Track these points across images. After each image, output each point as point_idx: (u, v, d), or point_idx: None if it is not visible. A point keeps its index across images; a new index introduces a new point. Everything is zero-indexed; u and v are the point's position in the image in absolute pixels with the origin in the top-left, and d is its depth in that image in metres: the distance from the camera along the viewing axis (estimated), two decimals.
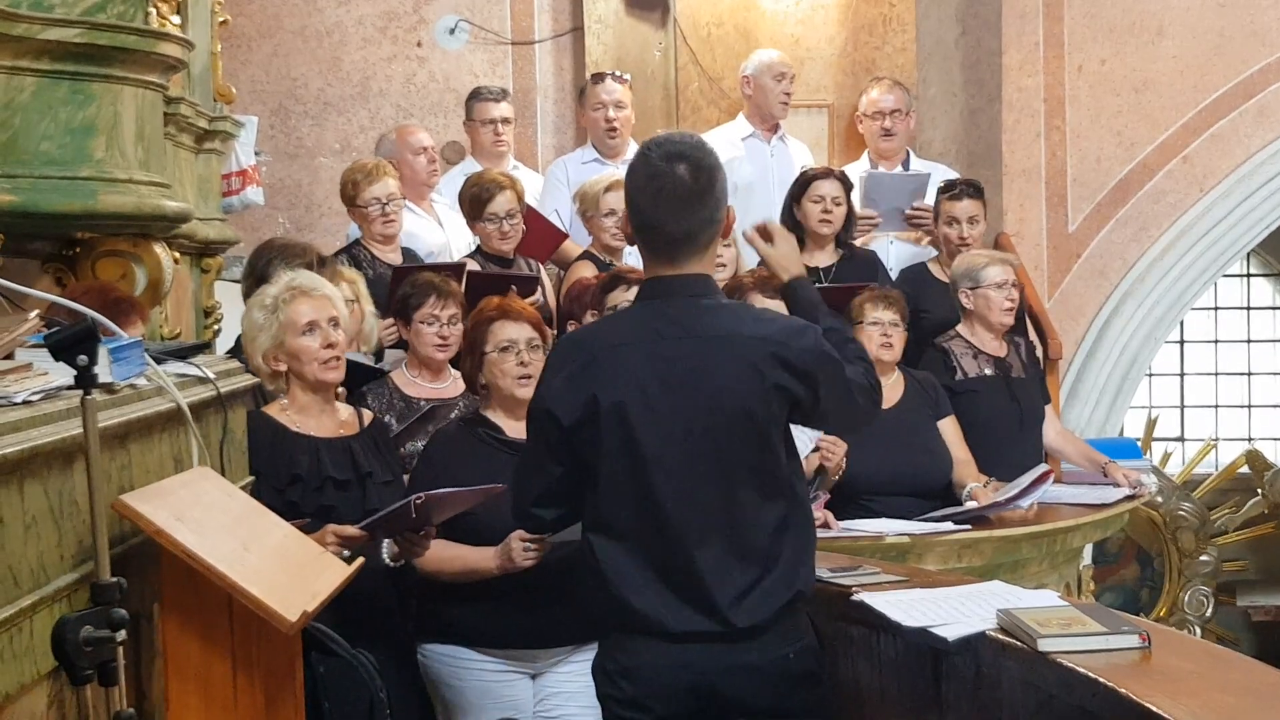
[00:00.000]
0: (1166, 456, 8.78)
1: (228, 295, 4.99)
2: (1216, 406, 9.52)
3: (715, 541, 2.90)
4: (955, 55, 6.98)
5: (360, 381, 4.32)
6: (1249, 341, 9.56)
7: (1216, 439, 9.12)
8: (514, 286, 4.81)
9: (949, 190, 5.68)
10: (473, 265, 5.07)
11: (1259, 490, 8.57)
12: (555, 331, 5.01)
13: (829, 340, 3.00)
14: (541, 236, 5.48)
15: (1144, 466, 5.80)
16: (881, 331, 4.89)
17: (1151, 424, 8.75)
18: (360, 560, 3.03)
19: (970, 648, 2.84)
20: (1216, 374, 9.52)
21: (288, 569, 2.73)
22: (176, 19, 4.35)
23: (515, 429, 3.71)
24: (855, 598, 3.20)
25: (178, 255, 4.06)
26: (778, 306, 4.54)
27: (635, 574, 2.92)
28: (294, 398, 3.66)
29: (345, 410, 3.79)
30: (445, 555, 3.61)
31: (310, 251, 4.36)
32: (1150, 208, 6.96)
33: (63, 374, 2.30)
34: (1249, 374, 9.53)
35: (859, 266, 5.51)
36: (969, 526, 4.61)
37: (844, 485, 4.69)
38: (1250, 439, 9.28)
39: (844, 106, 6.71)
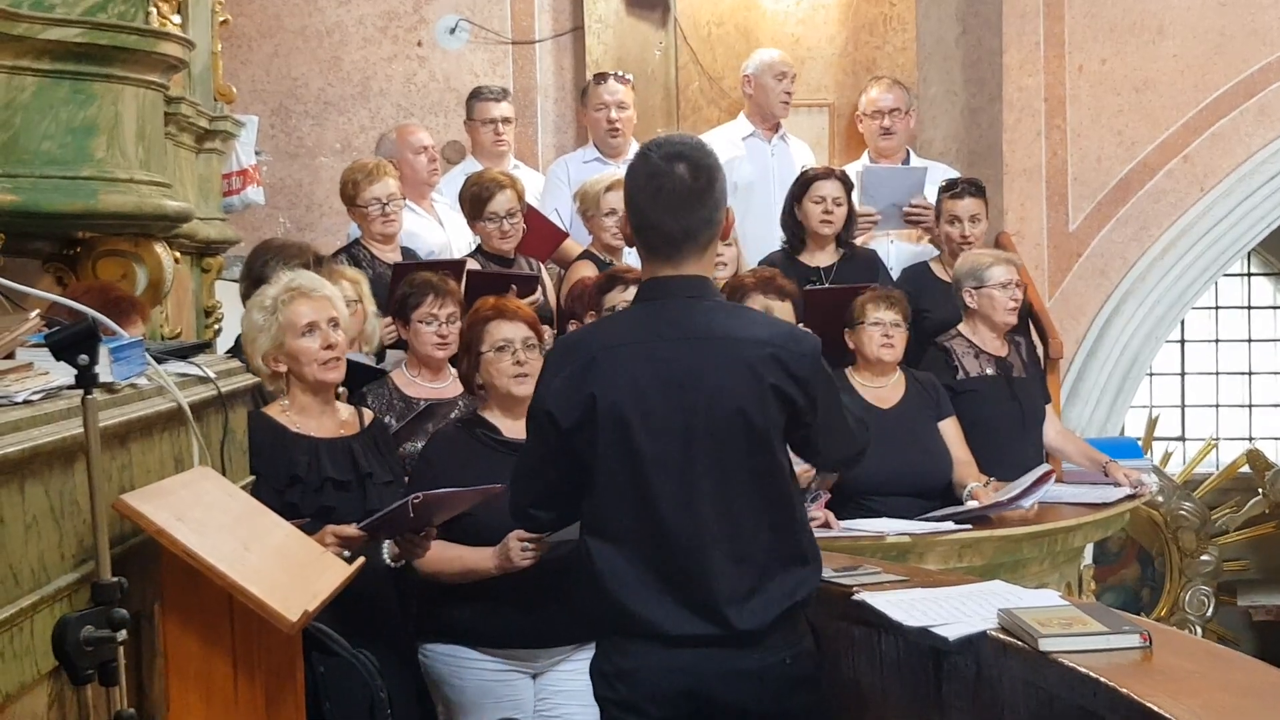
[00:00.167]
0: (1167, 456, 8.78)
1: (228, 295, 4.99)
2: (1217, 406, 9.51)
3: (713, 544, 2.89)
4: (956, 54, 6.98)
5: (361, 382, 4.31)
6: (1250, 341, 9.55)
7: (1217, 438, 9.11)
8: (514, 286, 4.82)
9: (951, 189, 5.68)
10: (473, 264, 5.07)
11: (1260, 490, 8.57)
12: (556, 331, 5.01)
13: None
14: (542, 236, 5.48)
15: (1145, 466, 5.80)
16: (883, 332, 4.89)
17: (1152, 423, 8.75)
18: (361, 560, 3.03)
19: (971, 647, 2.84)
20: (1217, 373, 9.52)
21: (288, 569, 2.73)
22: (177, 19, 4.35)
23: (513, 429, 3.72)
24: (856, 597, 3.20)
25: (178, 255, 4.06)
26: (780, 307, 4.58)
27: (632, 577, 2.92)
28: (294, 398, 3.66)
29: (346, 410, 3.79)
30: (444, 556, 3.61)
31: (307, 251, 4.36)
32: (1151, 207, 6.96)
33: (63, 373, 2.30)
34: (1250, 373, 9.53)
35: (859, 266, 5.51)
36: (970, 526, 4.61)
37: (844, 485, 4.69)
38: (1251, 438, 9.28)
39: (844, 106, 6.71)
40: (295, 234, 6.38)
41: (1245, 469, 8.63)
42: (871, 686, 3.25)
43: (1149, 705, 2.30)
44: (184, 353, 3.05)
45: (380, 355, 4.83)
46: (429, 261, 5.11)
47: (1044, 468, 4.86)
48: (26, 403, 2.21)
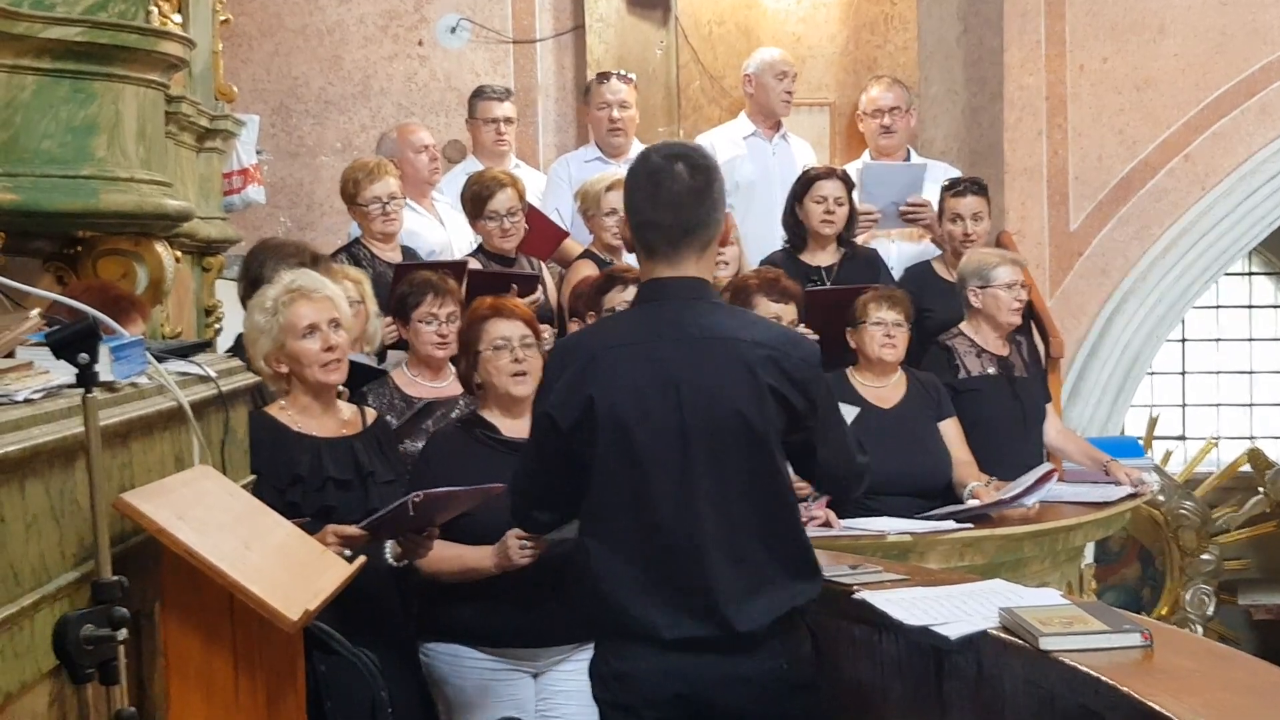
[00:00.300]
0: (1168, 455, 8.78)
1: (229, 294, 4.98)
2: (1218, 405, 9.52)
3: (711, 545, 2.89)
4: (957, 53, 6.98)
5: (362, 382, 4.31)
6: (1251, 340, 9.56)
7: (1218, 437, 9.11)
8: (515, 285, 4.82)
9: (953, 187, 5.68)
10: (474, 264, 5.07)
11: (1260, 489, 8.57)
12: (557, 330, 5.01)
13: None
14: (543, 235, 5.48)
15: (1146, 465, 5.79)
16: (885, 331, 4.88)
17: (1153, 422, 8.75)
18: (362, 559, 3.03)
19: (972, 646, 2.84)
20: (1218, 372, 9.52)
21: (289, 568, 2.72)
22: (178, 18, 4.35)
23: (512, 428, 3.72)
24: (857, 596, 3.19)
25: (179, 254, 4.06)
26: (784, 310, 4.58)
27: (629, 578, 2.92)
28: (296, 398, 3.65)
29: (348, 410, 3.79)
30: (444, 555, 3.61)
31: (304, 250, 4.35)
32: (1152, 206, 6.95)
33: (64, 372, 2.30)
34: (1251, 372, 9.53)
35: (861, 265, 5.51)
36: (971, 525, 4.61)
37: None
38: (1252, 437, 9.28)
39: (845, 105, 6.71)
40: (296, 233, 6.38)
41: (1246, 468, 8.63)
42: (872, 686, 3.25)
43: (1150, 704, 2.30)
44: (184, 352, 3.05)
45: (382, 356, 4.83)
46: (431, 263, 5.11)
47: (1046, 466, 4.86)
48: (27, 401, 2.21)
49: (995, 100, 6.88)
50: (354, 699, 3.20)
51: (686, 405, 2.89)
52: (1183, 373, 9.48)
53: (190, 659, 2.53)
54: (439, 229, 5.78)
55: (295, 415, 3.63)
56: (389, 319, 4.58)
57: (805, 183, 5.52)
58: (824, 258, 5.50)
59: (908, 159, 6.29)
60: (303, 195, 6.75)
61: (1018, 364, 5.27)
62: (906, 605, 3.05)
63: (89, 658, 2.19)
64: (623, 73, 6.21)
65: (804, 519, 3.81)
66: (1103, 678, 2.44)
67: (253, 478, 3.27)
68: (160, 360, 2.77)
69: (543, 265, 5.42)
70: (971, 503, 4.73)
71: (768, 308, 4.55)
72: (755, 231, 5.79)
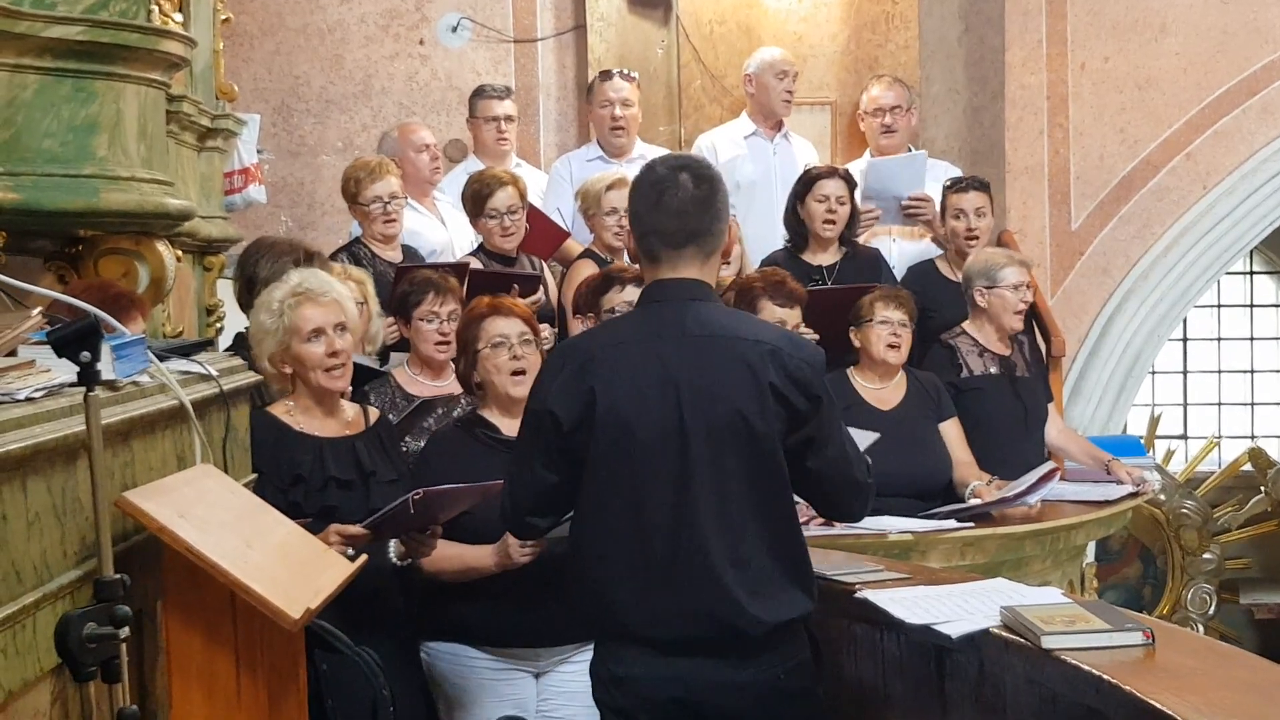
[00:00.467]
0: (1169, 454, 8.78)
1: (230, 293, 4.98)
2: (1219, 404, 9.51)
3: (710, 548, 2.88)
4: (958, 53, 6.98)
5: (363, 382, 4.30)
6: (1252, 339, 9.55)
7: (1219, 437, 9.11)
8: (516, 285, 4.82)
9: (956, 184, 5.69)
10: (475, 264, 5.07)
11: (1262, 488, 8.56)
12: (557, 330, 5.01)
13: None
14: (544, 235, 5.48)
15: (1147, 464, 5.80)
16: (890, 331, 4.88)
17: (1154, 422, 8.75)
18: (363, 558, 3.03)
19: (974, 645, 2.84)
20: (1219, 371, 9.52)
21: (291, 566, 2.73)
22: (179, 17, 4.35)
23: (511, 427, 3.71)
24: (858, 595, 3.19)
25: (180, 253, 4.05)
26: (789, 314, 4.57)
27: (627, 580, 2.92)
28: (299, 398, 3.65)
29: (351, 409, 3.78)
30: (444, 554, 3.60)
31: (298, 248, 4.34)
32: (1153, 205, 6.95)
33: (66, 371, 2.30)
34: (1252, 371, 9.53)
35: (862, 265, 5.50)
36: (972, 524, 4.61)
37: None
38: (1253, 436, 9.28)
39: (846, 104, 6.71)
40: (297, 233, 6.37)
41: (1247, 467, 8.63)
42: (874, 684, 3.25)
43: (1152, 703, 2.30)
44: (186, 350, 3.05)
45: (384, 358, 4.82)
46: (432, 264, 5.10)
47: (1048, 465, 4.85)
48: (29, 400, 2.21)
49: (996, 99, 6.88)
50: (355, 697, 3.19)
51: (686, 404, 2.89)
52: (1184, 372, 9.48)
53: (192, 657, 2.53)
54: (440, 228, 5.78)
55: (298, 415, 3.62)
56: (390, 319, 4.58)
57: (807, 182, 5.52)
58: (825, 257, 5.49)
59: None
60: (304, 195, 6.75)
61: (1020, 363, 5.27)
62: (908, 604, 3.05)
63: (91, 656, 2.19)
64: (626, 71, 6.22)
65: (805, 518, 3.82)
66: (1104, 676, 2.44)
67: (254, 476, 3.27)
68: (162, 359, 2.77)
69: (544, 265, 5.41)
70: (973, 501, 4.73)
71: (773, 312, 4.55)
72: (756, 231, 5.79)
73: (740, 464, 2.90)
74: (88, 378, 2.21)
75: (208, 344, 3.58)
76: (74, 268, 3.52)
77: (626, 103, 6.06)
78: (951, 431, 4.97)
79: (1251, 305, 9.57)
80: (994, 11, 6.86)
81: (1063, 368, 6.20)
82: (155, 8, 3.76)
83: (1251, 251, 8.50)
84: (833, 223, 5.44)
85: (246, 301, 4.33)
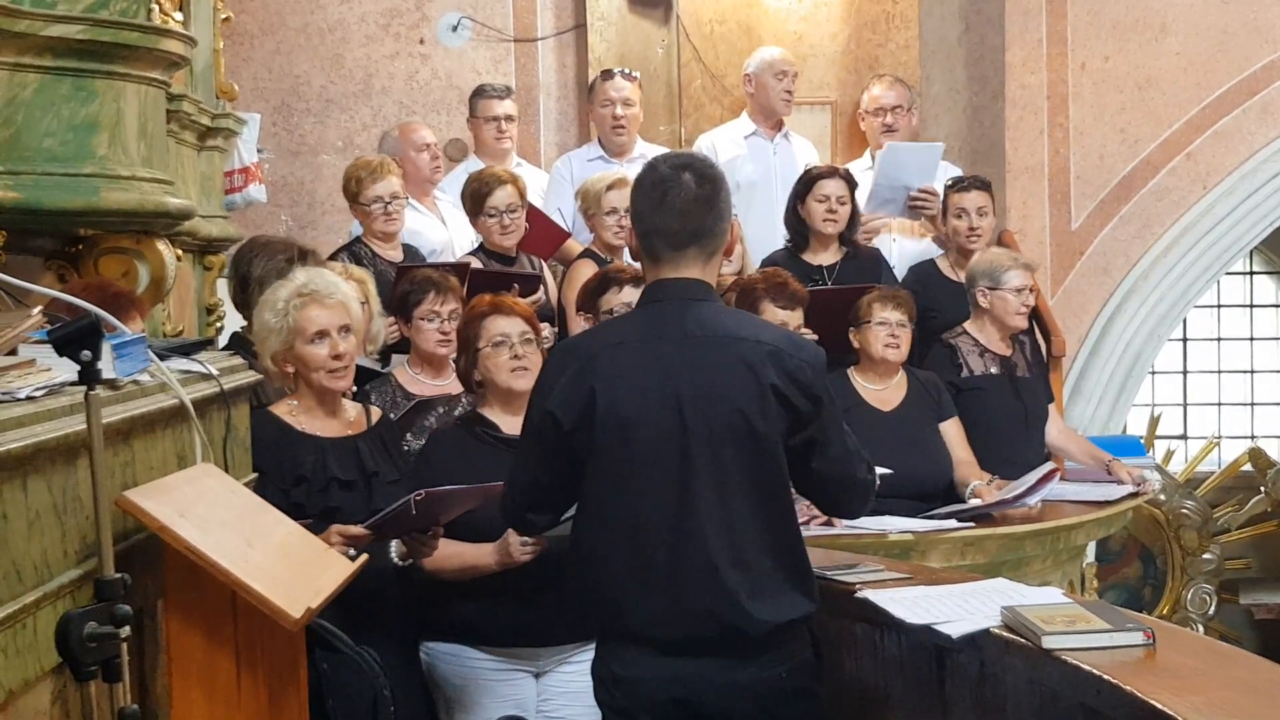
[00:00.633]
0: (1169, 454, 8.78)
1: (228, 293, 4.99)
2: (1219, 404, 9.51)
3: (711, 548, 2.88)
4: (958, 52, 6.98)
5: (362, 383, 4.30)
6: (1252, 339, 9.55)
7: (1219, 437, 9.11)
8: (517, 285, 4.82)
9: (957, 184, 5.69)
10: (476, 263, 5.07)
11: (1261, 488, 8.56)
12: (558, 330, 5.01)
13: None
14: (544, 234, 5.48)
15: (1147, 464, 5.79)
16: (889, 331, 4.88)
17: (1154, 422, 8.75)
18: (364, 557, 3.03)
19: (974, 645, 2.84)
20: (1219, 372, 9.52)
21: (291, 565, 2.72)
22: (179, 16, 4.35)
23: (512, 426, 3.70)
24: (859, 595, 3.19)
25: (180, 252, 4.06)
26: (791, 316, 4.57)
27: (628, 580, 2.91)
28: (301, 398, 3.64)
29: (353, 409, 3.77)
30: (445, 553, 3.59)
31: (292, 247, 4.34)
32: (1153, 205, 6.95)
33: (66, 370, 2.30)
34: (1252, 371, 9.53)
35: (862, 265, 5.50)
36: (972, 524, 4.61)
37: None
38: (1253, 437, 9.28)
39: (847, 104, 6.71)
40: (297, 232, 6.38)
41: (1247, 467, 8.63)
42: (874, 684, 3.25)
43: (1152, 703, 2.30)
44: (186, 350, 3.05)
45: (386, 359, 4.82)
46: (433, 264, 5.10)
47: (1048, 466, 4.86)
48: (29, 399, 2.21)
49: (997, 99, 6.88)
50: (356, 696, 3.20)
51: (686, 405, 2.89)
52: (1184, 372, 9.48)
53: (193, 656, 2.53)
54: (441, 228, 5.78)
55: (301, 415, 3.62)
56: (390, 318, 4.58)
57: (807, 182, 5.51)
58: (825, 257, 5.49)
59: None
60: (304, 194, 6.75)
61: (1020, 364, 5.28)
62: (909, 604, 3.05)
63: (91, 655, 2.19)
64: (627, 70, 6.22)
65: (805, 518, 3.82)
66: (1105, 676, 2.44)
67: (255, 475, 3.27)
68: (162, 358, 2.77)
69: (544, 265, 5.41)
70: (974, 501, 4.73)
71: (774, 314, 4.55)
72: (756, 231, 5.79)
73: (740, 464, 2.89)
74: (88, 377, 2.21)
75: (208, 343, 3.57)
76: (74, 267, 3.53)
77: (628, 102, 6.06)
78: (952, 431, 4.97)
79: (1251, 305, 9.57)
80: (994, 11, 6.86)
81: (1063, 368, 6.20)
82: (155, 7, 3.77)
83: (1251, 251, 8.50)
84: (833, 222, 5.44)
85: (241, 300, 4.34)
